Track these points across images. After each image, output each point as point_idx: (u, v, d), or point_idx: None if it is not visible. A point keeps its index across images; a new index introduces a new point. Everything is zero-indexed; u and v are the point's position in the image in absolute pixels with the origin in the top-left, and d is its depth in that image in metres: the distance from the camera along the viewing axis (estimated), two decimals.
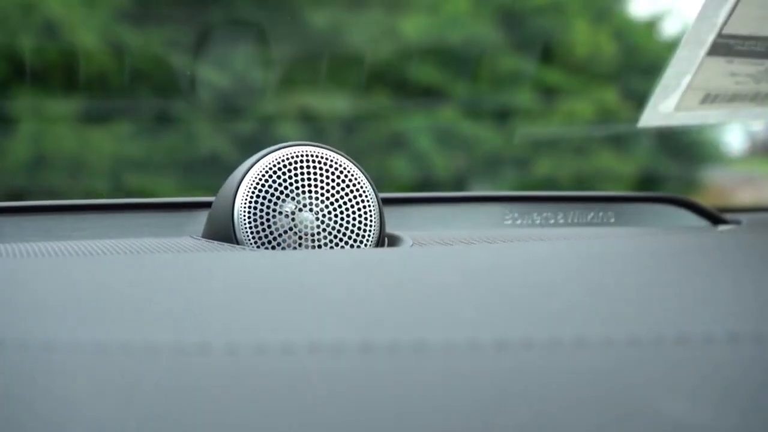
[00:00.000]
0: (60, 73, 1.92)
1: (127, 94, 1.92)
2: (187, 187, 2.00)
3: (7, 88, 1.86)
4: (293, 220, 0.50)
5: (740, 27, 0.51)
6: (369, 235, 0.51)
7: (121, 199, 0.62)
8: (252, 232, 0.50)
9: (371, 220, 0.51)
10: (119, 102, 1.96)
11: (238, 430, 0.20)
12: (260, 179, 0.50)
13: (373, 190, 0.52)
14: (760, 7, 0.49)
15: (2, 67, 1.86)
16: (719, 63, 0.53)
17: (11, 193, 1.88)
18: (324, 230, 0.50)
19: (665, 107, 0.56)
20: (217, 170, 1.95)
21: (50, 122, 1.93)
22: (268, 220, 0.50)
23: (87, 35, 1.95)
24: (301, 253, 0.48)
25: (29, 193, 1.94)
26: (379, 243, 0.52)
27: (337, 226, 0.50)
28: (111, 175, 1.98)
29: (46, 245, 0.51)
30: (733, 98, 0.56)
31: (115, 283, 0.36)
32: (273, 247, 0.50)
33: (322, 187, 0.51)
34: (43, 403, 0.21)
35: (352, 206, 0.51)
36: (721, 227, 0.64)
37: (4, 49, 1.86)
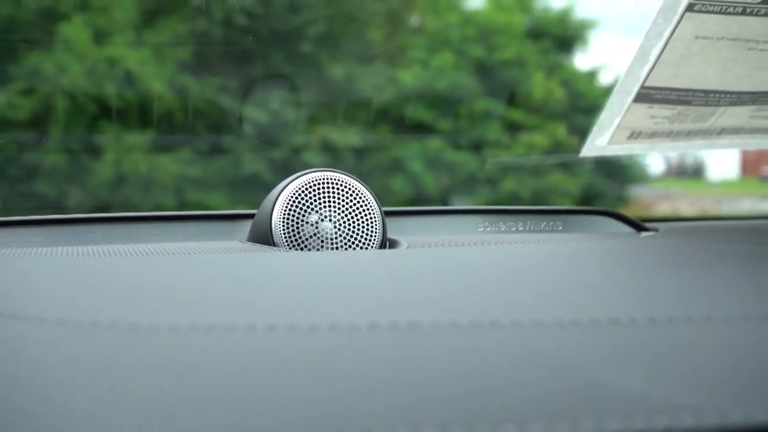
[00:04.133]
0: (136, 113, 1.92)
1: (187, 129, 1.92)
2: (233, 201, 1.99)
3: (95, 124, 1.86)
4: (317, 228, 0.50)
5: (658, 81, 0.51)
6: (374, 240, 0.51)
7: (183, 212, 0.62)
8: (286, 237, 0.50)
9: (376, 228, 0.52)
10: (182, 135, 1.95)
11: (276, 388, 0.21)
12: (292, 197, 0.51)
13: (378, 204, 0.53)
14: (674, 67, 0.50)
15: (92, 108, 1.86)
16: (642, 108, 0.53)
17: (98, 205, 1.88)
18: (340, 236, 0.50)
19: (600, 142, 0.56)
20: (257, 188, 1.95)
21: (128, 150, 1.93)
22: (297, 228, 0.50)
23: (157, 83, 1.95)
24: (323, 253, 0.48)
25: (112, 206, 1.94)
26: (382, 246, 0.52)
27: (350, 233, 0.51)
28: (175, 192, 1.98)
29: (128, 247, 0.51)
30: (653, 135, 0.57)
31: (181, 276, 0.36)
32: (301, 249, 0.50)
33: (338, 203, 0.51)
34: (132, 373, 0.22)
35: (362, 217, 0.51)
36: (643, 234, 0.64)
37: (93, 94, 1.86)
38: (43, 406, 0.19)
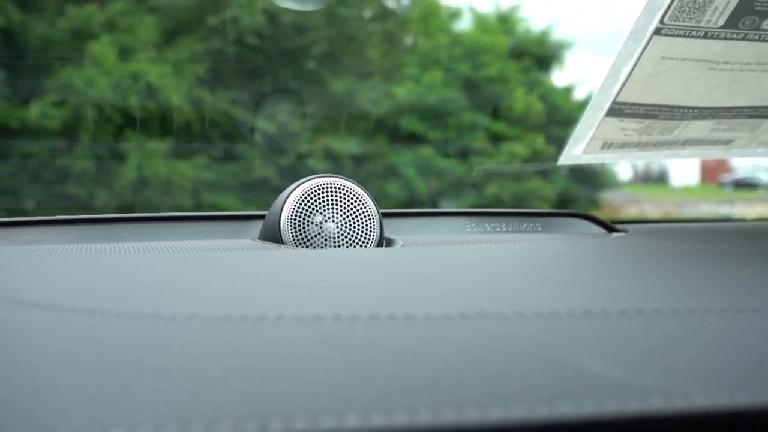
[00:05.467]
0: (157, 123, 1.92)
1: (203, 137, 1.92)
2: (245, 202, 1.99)
3: (120, 132, 1.86)
4: (321, 228, 0.50)
5: (628, 97, 0.51)
6: (372, 239, 0.51)
7: (200, 212, 0.62)
8: (293, 236, 0.50)
9: (374, 228, 0.52)
10: (198, 143, 1.95)
11: (284, 373, 0.21)
12: (299, 200, 0.51)
13: (375, 206, 0.52)
14: (642, 84, 0.50)
15: (117, 118, 1.86)
16: (614, 121, 0.53)
17: (123, 206, 1.88)
18: (342, 235, 0.50)
19: (576, 151, 0.56)
20: (266, 191, 1.95)
21: (150, 156, 1.93)
22: (303, 228, 0.50)
23: (176, 96, 1.95)
24: (326, 251, 0.48)
25: (135, 206, 1.94)
26: (380, 244, 0.52)
27: (351, 232, 0.51)
28: (192, 194, 1.98)
29: (149, 244, 0.51)
30: (623, 146, 0.57)
31: (198, 271, 0.36)
32: (307, 247, 0.50)
33: (340, 205, 0.51)
34: (156, 359, 0.22)
35: (361, 218, 0.51)
36: (614, 234, 0.64)
37: (119, 106, 1.86)
38: (76, 389, 0.19)
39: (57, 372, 0.20)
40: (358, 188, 0.52)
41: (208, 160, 1.98)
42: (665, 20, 0.44)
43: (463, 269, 0.37)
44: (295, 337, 0.23)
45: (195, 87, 2.00)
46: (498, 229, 0.66)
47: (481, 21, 2.80)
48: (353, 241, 0.50)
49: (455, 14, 2.85)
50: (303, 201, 0.50)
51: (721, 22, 0.45)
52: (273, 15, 2.06)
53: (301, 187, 0.51)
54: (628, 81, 0.49)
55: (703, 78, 0.50)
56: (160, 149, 1.94)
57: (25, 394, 0.19)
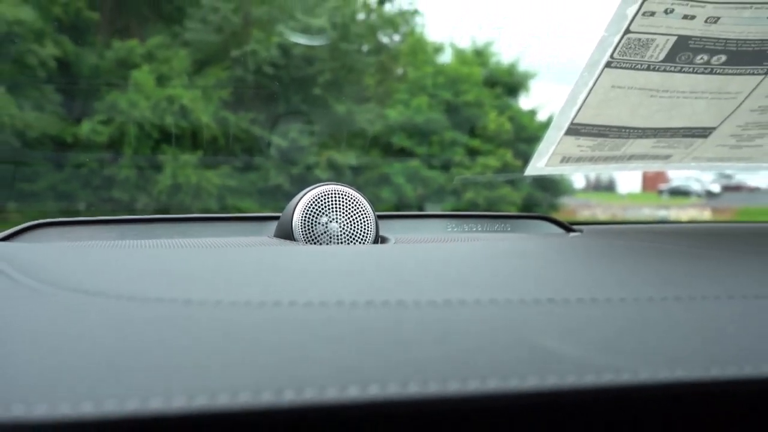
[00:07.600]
0: (188, 138, 1.92)
1: (227, 150, 1.92)
2: (262, 206, 1.99)
3: (158, 146, 1.85)
4: (326, 227, 0.50)
5: (583, 119, 0.51)
6: (369, 236, 0.51)
7: (224, 214, 0.61)
8: (303, 234, 0.50)
9: (371, 228, 0.51)
10: (223, 155, 1.95)
11: (296, 350, 0.20)
12: (308, 204, 0.50)
13: (372, 209, 0.52)
14: (595, 108, 0.50)
15: (155, 134, 1.85)
16: (571, 140, 0.53)
17: (159, 208, 1.87)
18: (344, 233, 0.50)
19: (539, 164, 0.56)
20: (280, 196, 1.95)
21: (182, 167, 1.92)
22: (312, 227, 0.50)
23: (204, 116, 1.95)
24: (331, 247, 0.48)
25: (169, 209, 1.93)
26: (375, 241, 0.52)
27: (352, 231, 0.50)
28: (218, 198, 1.97)
29: (182, 241, 0.51)
30: (579, 160, 0.57)
31: (223, 264, 0.36)
32: (315, 243, 0.50)
33: (342, 208, 0.51)
34: (189, 338, 0.22)
35: (360, 219, 0.51)
36: (571, 234, 0.64)
37: (157, 124, 1.86)
38: (119, 365, 0.19)
39: (105, 349, 0.20)
40: (357, 194, 0.52)
41: (231, 170, 1.97)
42: (615, 55, 0.44)
43: (446, 263, 0.37)
44: (305, 319, 0.23)
45: (220, 109, 2.00)
46: (474, 229, 0.66)
47: (460, 55, 2.81)
48: (353, 239, 0.50)
49: (439, 49, 2.85)
50: (311, 204, 0.50)
51: (661, 57, 0.45)
52: (286, 49, 2.06)
53: (309, 193, 0.51)
54: (583, 106, 0.49)
55: (646, 104, 0.50)
56: (191, 161, 1.93)
57: (77, 368, 0.19)
